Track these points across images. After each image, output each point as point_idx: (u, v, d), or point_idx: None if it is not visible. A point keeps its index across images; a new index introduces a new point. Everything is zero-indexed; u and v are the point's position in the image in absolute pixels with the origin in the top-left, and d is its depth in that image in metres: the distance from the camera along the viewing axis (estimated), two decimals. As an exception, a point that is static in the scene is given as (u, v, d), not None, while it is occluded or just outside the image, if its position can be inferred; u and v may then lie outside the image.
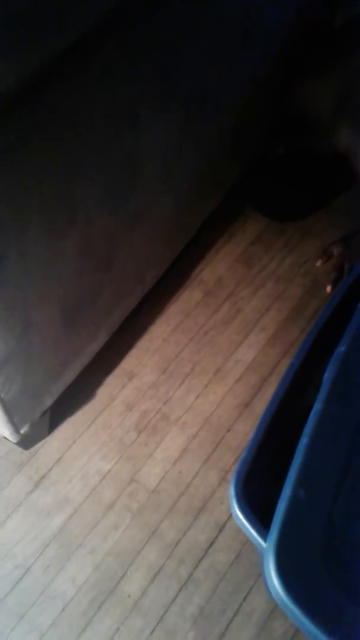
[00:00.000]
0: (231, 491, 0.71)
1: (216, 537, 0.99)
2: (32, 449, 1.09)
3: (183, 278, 1.32)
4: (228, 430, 1.10)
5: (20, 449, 1.08)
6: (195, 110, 1.03)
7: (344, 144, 1.29)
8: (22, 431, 0.98)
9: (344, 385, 0.77)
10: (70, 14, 0.65)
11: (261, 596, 0.93)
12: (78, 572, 0.96)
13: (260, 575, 0.95)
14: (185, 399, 1.15)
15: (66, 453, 1.09)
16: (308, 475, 0.68)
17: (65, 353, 0.99)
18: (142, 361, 1.20)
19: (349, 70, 1.27)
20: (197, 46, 0.94)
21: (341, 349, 0.80)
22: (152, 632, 0.90)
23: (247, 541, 0.98)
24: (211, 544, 0.98)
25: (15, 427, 0.96)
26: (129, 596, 0.94)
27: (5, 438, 1.01)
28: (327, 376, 0.77)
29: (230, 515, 1.00)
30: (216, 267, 1.34)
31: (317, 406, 0.74)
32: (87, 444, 1.10)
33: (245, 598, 0.93)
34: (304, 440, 0.70)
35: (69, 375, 1.04)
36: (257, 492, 0.72)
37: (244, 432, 1.10)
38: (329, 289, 1.28)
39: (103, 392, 1.16)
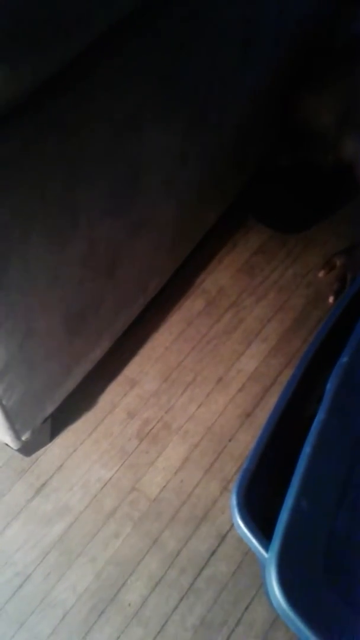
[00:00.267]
0: (233, 501, 0.71)
1: (218, 546, 0.99)
2: (33, 456, 1.09)
3: (186, 286, 1.33)
4: (230, 440, 1.10)
5: (21, 456, 1.08)
6: (198, 119, 1.04)
7: (348, 156, 1.30)
8: (23, 438, 0.98)
9: (347, 395, 0.77)
10: (76, 25, 0.66)
11: (263, 606, 0.93)
12: (78, 581, 0.96)
13: (262, 585, 0.94)
14: (187, 408, 1.15)
15: (67, 460, 1.09)
16: (310, 486, 0.68)
17: (68, 360, 1.00)
18: (144, 369, 1.20)
19: (353, 82, 1.28)
20: (199, 55, 0.94)
21: (344, 359, 0.81)
22: (152, 642, 0.90)
23: (249, 551, 0.98)
24: (212, 554, 0.98)
25: (17, 434, 0.96)
26: (129, 605, 0.93)
27: (7, 445, 1.01)
28: (330, 387, 0.77)
29: (232, 525, 1.00)
30: (219, 276, 1.35)
31: (320, 417, 0.74)
32: (88, 451, 1.10)
33: (246, 608, 0.93)
34: (306, 451, 0.71)
35: (71, 382, 1.04)
36: (258, 502, 0.72)
37: (246, 442, 1.10)
38: (331, 299, 1.28)
39: (105, 400, 1.16)
